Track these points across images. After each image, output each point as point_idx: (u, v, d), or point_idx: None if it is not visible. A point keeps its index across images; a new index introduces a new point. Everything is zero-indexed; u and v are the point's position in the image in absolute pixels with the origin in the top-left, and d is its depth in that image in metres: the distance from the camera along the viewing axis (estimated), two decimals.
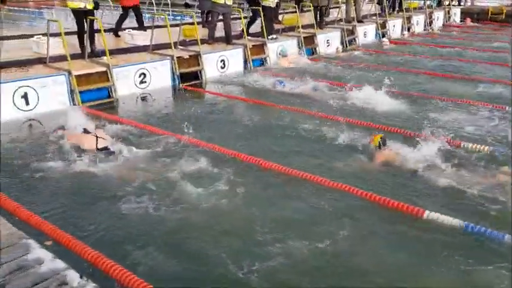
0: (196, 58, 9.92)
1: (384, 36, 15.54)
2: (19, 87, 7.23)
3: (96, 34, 8.94)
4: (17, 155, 5.85)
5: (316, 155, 5.89)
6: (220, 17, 11.04)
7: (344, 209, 4.57)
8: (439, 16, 19.33)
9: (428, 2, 18.82)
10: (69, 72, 7.79)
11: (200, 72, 9.95)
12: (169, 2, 15.18)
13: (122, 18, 11.12)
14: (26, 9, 27.95)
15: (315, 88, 8.93)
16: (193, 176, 5.19)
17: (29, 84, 7.35)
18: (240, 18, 11.62)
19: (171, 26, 9.83)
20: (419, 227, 4.26)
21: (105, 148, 5.89)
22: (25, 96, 7.31)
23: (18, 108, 7.24)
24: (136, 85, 8.81)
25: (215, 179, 5.12)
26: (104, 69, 8.32)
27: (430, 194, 4.86)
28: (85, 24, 8.63)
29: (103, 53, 8.73)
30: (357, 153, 5.86)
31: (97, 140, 5.95)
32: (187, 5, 19.06)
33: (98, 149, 5.86)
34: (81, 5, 8.70)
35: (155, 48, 9.84)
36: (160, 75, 9.20)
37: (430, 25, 18.34)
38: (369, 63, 11.93)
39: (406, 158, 5.51)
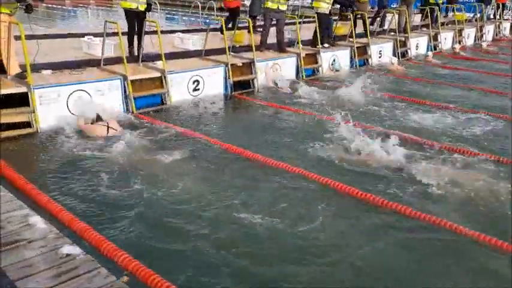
0: (249, 66, 9.47)
1: (435, 48, 14.90)
2: (74, 91, 6.88)
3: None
4: (75, 164, 5.49)
5: (394, 180, 5.35)
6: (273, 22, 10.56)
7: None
8: (489, 30, 18.53)
9: (478, 15, 18.02)
10: (125, 77, 7.42)
11: (252, 80, 9.50)
12: (214, 6, 14.84)
13: (228, 19, 11.42)
14: (63, 7, 28.14)
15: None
16: (255, 199, 4.77)
17: (84, 88, 6.98)
18: (293, 24, 11.15)
19: (216, 30, 9.39)
20: None
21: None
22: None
23: (72, 113, 6.87)
24: (189, 92, 8.40)
25: (278, 203, 4.69)
26: (158, 74, 7.93)
27: None
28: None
29: (155, 57, 8.40)
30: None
31: (108, 130, 6.33)
32: (222, 9, 18.72)
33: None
34: (133, 6, 8.37)
35: (205, 54, 9.43)
36: (214, 82, 8.77)
37: (481, 39, 17.58)
38: (424, 77, 11.38)
39: None
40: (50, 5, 27.72)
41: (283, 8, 10.36)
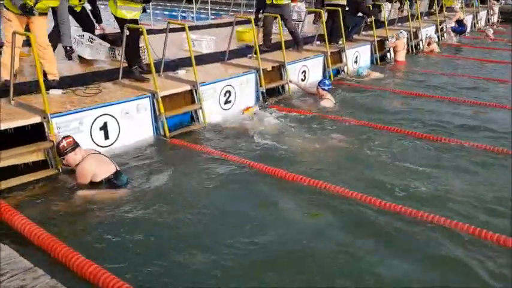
0: (279, 70, 8.25)
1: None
2: (98, 117, 5.46)
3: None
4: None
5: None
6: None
7: None
8: (482, 16, 18.08)
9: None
10: (153, 94, 6.04)
11: (283, 86, 8.30)
12: None
13: None
14: None
15: None
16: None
17: (109, 111, 5.57)
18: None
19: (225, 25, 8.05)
20: None
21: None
22: (104, 128, 5.55)
23: (96, 143, 5.46)
24: (221, 106, 7.11)
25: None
26: (188, 87, 6.58)
27: None
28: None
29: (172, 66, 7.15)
30: None
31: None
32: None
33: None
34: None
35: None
36: (245, 92, 7.51)
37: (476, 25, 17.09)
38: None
39: None
40: None
41: (281, 1, 8.62)
